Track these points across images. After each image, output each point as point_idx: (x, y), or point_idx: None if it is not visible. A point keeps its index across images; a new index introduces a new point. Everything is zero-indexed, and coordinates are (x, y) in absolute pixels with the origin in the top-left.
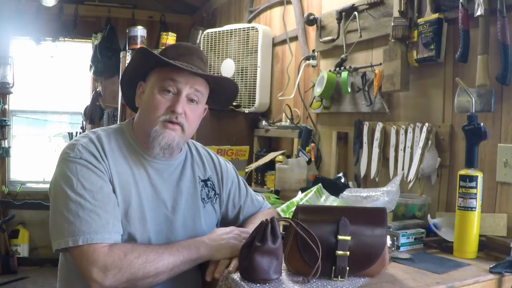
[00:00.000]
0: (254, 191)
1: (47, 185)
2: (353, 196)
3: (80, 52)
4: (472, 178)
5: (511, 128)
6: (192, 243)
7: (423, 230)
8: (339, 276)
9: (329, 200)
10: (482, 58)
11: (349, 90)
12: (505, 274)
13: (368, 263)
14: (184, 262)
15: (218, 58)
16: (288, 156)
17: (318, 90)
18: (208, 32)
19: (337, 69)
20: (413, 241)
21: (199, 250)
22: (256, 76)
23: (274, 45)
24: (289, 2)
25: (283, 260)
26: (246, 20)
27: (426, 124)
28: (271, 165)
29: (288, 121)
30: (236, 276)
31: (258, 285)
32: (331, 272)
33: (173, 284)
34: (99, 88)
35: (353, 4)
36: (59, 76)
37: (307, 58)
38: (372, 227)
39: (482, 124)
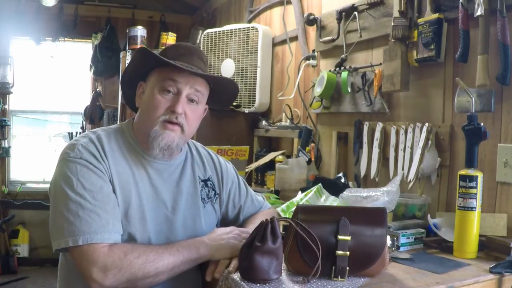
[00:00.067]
0: (254, 191)
1: (47, 185)
2: (353, 196)
3: (80, 52)
4: (472, 178)
5: (511, 128)
6: (192, 243)
7: (423, 230)
8: (339, 276)
9: (329, 200)
10: (482, 58)
11: (349, 90)
12: (505, 274)
13: (368, 263)
14: (184, 262)
15: (218, 58)
16: (288, 156)
17: (318, 90)
18: (208, 32)
19: (337, 69)
20: (413, 241)
21: (199, 250)
22: (256, 76)
23: (274, 45)
24: (289, 2)
25: (283, 260)
26: (246, 20)
27: (426, 124)
28: (271, 165)
29: (288, 121)
30: (236, 276)
31: (258, 285)
32: (331, 272)
33: (173, 284)
34: (99, 88)
35: (353, 4)
36: (59, 76)
37: (307, 58)
38: (372, 227)
39: (482, 124)
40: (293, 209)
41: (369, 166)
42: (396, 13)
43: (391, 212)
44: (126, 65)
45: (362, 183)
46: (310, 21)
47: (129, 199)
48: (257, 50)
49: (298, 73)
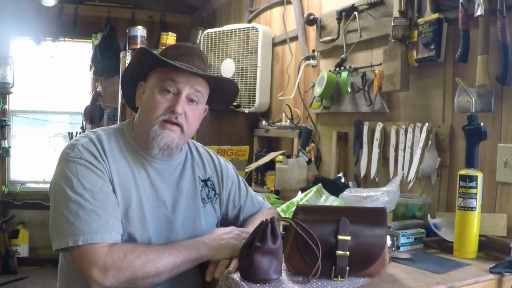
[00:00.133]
0: (254, 191)
1: (47, 185)
2: (353, 196)
3: (80, 52)
4: (472, 178)
5: (511, 128)
6: (192, 243)
7: (423, 230)
8: (339, 276)
9: (329, 200)
10: (482, 58)
11: (349, 90)
12: (505, 274)
13: (368, 263)
14: (184, 262)
15: (218, 58)
16: (288, 156)
17: (318, 90)
18: (208, 32)
19: (337, 69)
20: (413, 241)
21: (199, 250)
22: (256, 76)
23: (274, 45)
24: (289, 2)
25: (283, 260)
26: (246, 20)
27: (426, 124)
28: (271, 165)
29: (288, 121)
30: (236, 276)
31: (258, 285)
32: (331, 272)
33: (173, 284)
34: (99, 88)
35: (353, 4)
36: (59, 76)
37: (307, 58)
38: (372, 227)
39: (482, 124)
40: (293, 209)
41: (369, 166)
42: (396, 13)
43: (391, 212)
44: (126, 65)
45: (362, 183)
46: (310, 21)
47: (129, 199)
48: (257, 50)
49: (298, 73)
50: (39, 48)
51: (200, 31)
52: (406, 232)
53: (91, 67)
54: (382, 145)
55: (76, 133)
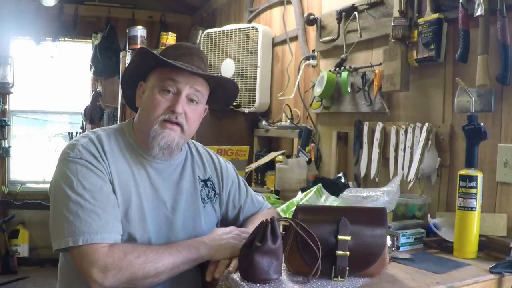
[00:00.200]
0: (254, 191)
1: (47, 185)
2: (353, 196)
3: (80, 52)
4: (472, 178)
5: (511, 128)
6: (192, 243)
7: (423, 230)
8: (339, 276)
9: (329, 200)
10: (482, 58)
11: (349, 90)
12: (505, 274)
13: (368, 263)
14: (184, 262)
15: (218, 58)
16: (288, 156)
17: (318, 90)
18: (208, 32)
19: (337, 69)
20: (413, 241)
21: (199, 250)
22: (256, 76)
23: (274, 45)
24: (289, 2)
25: (283, 260)
26: (246, 20)
27: (426, 124)
28: (271, 165)
29: (288, 121)
30: (236, 276)
31: (258, 285)
32: (331, 272)
33: (173, 284)
34: (99, 88)
35: (353, 4)
36: (59, 76)
37: (307, 58)
38: (372, 227)
39: (482, 124)
40: (293, 209)
41: (369, 166)
42: (396, 13)
43: (391, 212)
44: (126, 65)
45: (362, 183)
46: (310, 21)
47: (129, 199)
48: (257, 50)
49: (298, 73)
50: (39, 48)
51: (200, 31)
52: (406, 232)
53: (91, 67)
54: (382, 145)
55: (76, 133)
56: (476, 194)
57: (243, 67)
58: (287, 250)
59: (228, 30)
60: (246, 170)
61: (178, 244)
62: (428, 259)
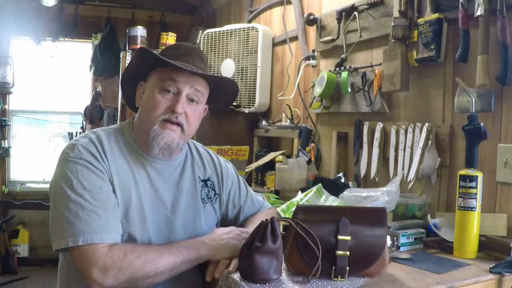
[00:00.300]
0: (254, 191)
1: (47, 185)
2: (353, 196)
3: (80, 52)
4: (472, 178)
5: (511, 128)
6: (192, 243)
7: (423, 230)
8: (339, 276)
9: (329, 200)
10: (482, 58)
11: (349, 90)
12: (505, 274)
13: (368, 263)
14: (184, 262)
15: (218, 58)
16: (288, 156)
17: (318, 90)
18: (208, 32)
19: (337, 69)
20: (413, 241)
21: (199, 250)
22: (256, 76)
23: (274, 45)
24: (289, 2)
25: (283, 260)
26: (246, 20)
27: (426, 124)
28: (271, 165)
29: (288, 121)
30: (236, 276)
31: (258, 285)
32: (331, 272)
33: (173, 284)
34: (99, 88)
35: (353, 4)
36: (59, 76)
37: (307, 58)
38: (372, 227)
39: (482, 124)
40: (293, 209)
41: (369, 166)
42: (396, 13)
43: (391, 212)
44: (126, 65)
45: (362, 183)
46: (310, 21)
47: (129, 199)
48: (257, 50)
49: (298, 73)
50: (39, 48)
51: (200, 31)
52: (406, 232)
53: (91, 67)
54: (382, 145)
55: (76, 133)
56: (476, 194)
57: (243, 67)
58: (287, 250)
59: (228, 30)
60: (246, 170)
61: (178, 244)
62: (428, 259)
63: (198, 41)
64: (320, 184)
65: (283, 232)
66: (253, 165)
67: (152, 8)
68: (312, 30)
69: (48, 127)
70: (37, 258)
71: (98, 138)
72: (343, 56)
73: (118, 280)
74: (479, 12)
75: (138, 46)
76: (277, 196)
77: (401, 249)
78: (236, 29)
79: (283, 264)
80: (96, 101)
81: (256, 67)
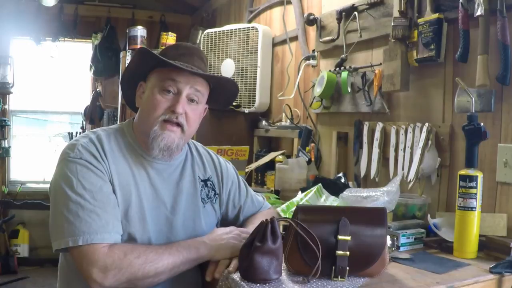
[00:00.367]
0: (254, 191)
1: (47, 185)
2: (353, 196)
3: (80, 52)
4: (472, 178)
5: (511, 128)
6: (192, 243)
7: (423, 230)
8: (339, 276)
9: (329, 200)
10: (482, 58)
11: (349, 90)
12: (505, 274)
13: (368, 263)
14: (184, 262)
15: (218, 58)
16: (288, 156)
17: (318, 90)
18: (208, 32)
19: (337, 69)
20: (413, 241)
21: (199, 250)
22: (256, 76)
23: (274, 45)
24: (289, 2)
25: (283, 260)
26: (246, 20)
27: (426, 124)
28: (271, 165)
29: (288, 121)
30: (236, 276)
31: (258, 285)
32: (331, 272)
33: (173, 284)
34: (99, 88)
35: (353, 4)
36: (59, 76)
37: (307, 58)
38: (372, 227)
39: (482, 124)
40: (293, 209)
41: (369, 166)
42: (396, 13)
43: (391, 212)
44: (126, 65)
45: (362, 183)
46: (310, 21)
47: (129, 199)
48: (257, 50)
49: (298, 73)
50: (39, 48)
51: (200, 31)
52: (406, 232)
53: (91, 67)
54: (382, 145)
55: (76, 133)
56: (476, 194)
57: (243, 67)
58: (287, 250)
59: (228, 30)
60: (246, 170)
61: (178, 244)
62: (428, 259)
63: (198, 41)
64: (320, 184)
65: (283, 232)
66: (253, 165)
67: (152, 8)
68: (312, 30)
69: (48, 127)
70: (37, 258)
71: (98, 138)
72: (343, 56)
73: (118, 280)
74: (479, 12)
75: (138, 46)
76: (277, 196)
77: (401, 249)
78: (236, 29)
79: (283, 264)
80: (96, 101)
81: (256, 67)
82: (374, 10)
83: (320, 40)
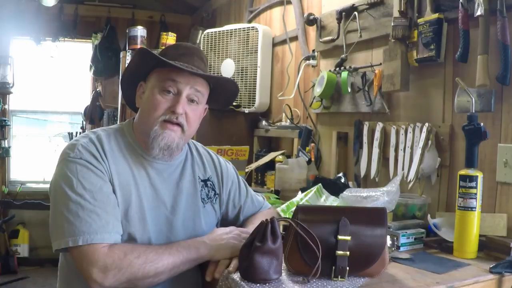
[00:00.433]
0: (254, 191)
1: (47, 185)
2: (353, 196)
3: (80, 52)
4: (472, 178)
5: (511, 128)
6: (192, 243)
7: (423, 230)
8: (339, 276)
9: (329, 200)
10: (482, 58)
11: (349, 90)
12: (505, 274)
13: (368, 263)
14: (184, 262)
15: (218, 58)
16: (288, 156)
17: (318, 90)
18: (208, 32)
19: (337, 69)
20: (413, 241)
21: (199, 250)
22: (256, 76)
23: (274, 45)
24: (289, 2)
25: (283, 260)
26: (246, 20)
27: (426, 124)
28: (271, 165)
29: (288, 121)
30: (236, 276)
31: (258, 285)
32: (331, 272)
33: (173, 284)
34: (99, 88)
35: (353, 4)
36: (59, 76)
37: (307, 58)
38: (372, 227)
39: (482, 124)
40: (293, 209)
41: (369, 166)
42: (396, 13)
43: (391, 212)
44: (126, 65)
45: (362, 183)
46: (310, 21)
47: (129, 199)
48: (257, 50)
49: (298, 73)
50: (39, 48)
51: (200, 31)
52: (406, 232)
53: (91, 67)
54: (382, 145)
55: (76, 133)
56: (476, 194)
57: (243, 67)
58: (287, 250)
59: (228, 30)
60: (246, 170)
61: (178, 244)
62: (428, 259)
63: (198, 41)
64: (320, 184)
65: (283, 232)
66: (253, 165)
67: (152, 8)
68: (312, 30)
69: (48, 127)
70: (37, 258)
71: (98, 138)
72: (343, 56)
73: (118, 280)
74: (479, 12)
75: (138, 46)
76: (277, 196)
77: (401, 249)
78: (236, 29)
79: (283, 264)
80: (96, 101)
81: (256, 67)
82: (374, 10)
83: (320, 40)
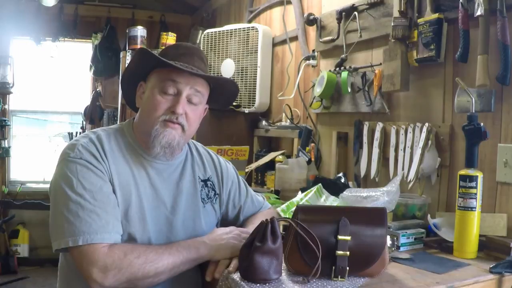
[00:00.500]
0: (254, 191)
1: (47, 185)
2: (353, 196)
3: (80, 52)
4: (472, 178)
5: (511, 128)
6: (192, 243)
7: (423, 230)
8: (339, 276)
9: (329, 200)
10: (482, 58)
11: (349, 90)
12: (505, 274)
13: (368, 263)
14: (184, 262)
15: (218, 58)
16: (288, 156)
17: (318, 90)
18: (208, 32)
19: (337, 69)
20: (413, 241)
21: (199, 250)
22: (256, 76)
23: (274, 45)
24: (289, 2)
25: (283, 260)
26: (246, 20)
27: (426, 124)
28: (271, 165)
29: (288, 121)
30: (236, 276)
31: (258, 285)
32: (331, 272)
33: (173, 284)
34: (99, 88)
35: (353, 4)
36: (59, 76)
37: (307, 58)
38: (372, 227)
39: (482, 124)
40: (293, 209)
41: (369, 166)
42: (396, 13)
43: (391, 212)
44: (126, 65)
45: (362, 183)
46: (310, 21)
47: (129, 199)
48: (257, 50)
49: (298, 73)
50: (39, 48)
51: (200, 31)
52: (406, 232)
53: (91, 67)
54: (382, 145)
55: (76, 133)
56: (476, 194)
57: (243, 67)
58: (287, 250)
59: (228, 30)
60: (246, 170)
61: (178, 244)
62: (428, 259)
63: (198, 41)
64: (320, 184)
65: (283, 232)
66: (253, 165)
67: (152, 8)
68: (312, 30)
69: (48, 127)
70: (37, 258)
71: (98, 138)
72: (343, 56)
73: (118, 280)
74: (479, 12)
75: (138, 46)
76: (277, 196)
77: (401, 249)
78: (236, 29)
79: (283, 264)
80: (96, 101)
81: (256, 67)
82: (374, 10)
83: (320, 40)
